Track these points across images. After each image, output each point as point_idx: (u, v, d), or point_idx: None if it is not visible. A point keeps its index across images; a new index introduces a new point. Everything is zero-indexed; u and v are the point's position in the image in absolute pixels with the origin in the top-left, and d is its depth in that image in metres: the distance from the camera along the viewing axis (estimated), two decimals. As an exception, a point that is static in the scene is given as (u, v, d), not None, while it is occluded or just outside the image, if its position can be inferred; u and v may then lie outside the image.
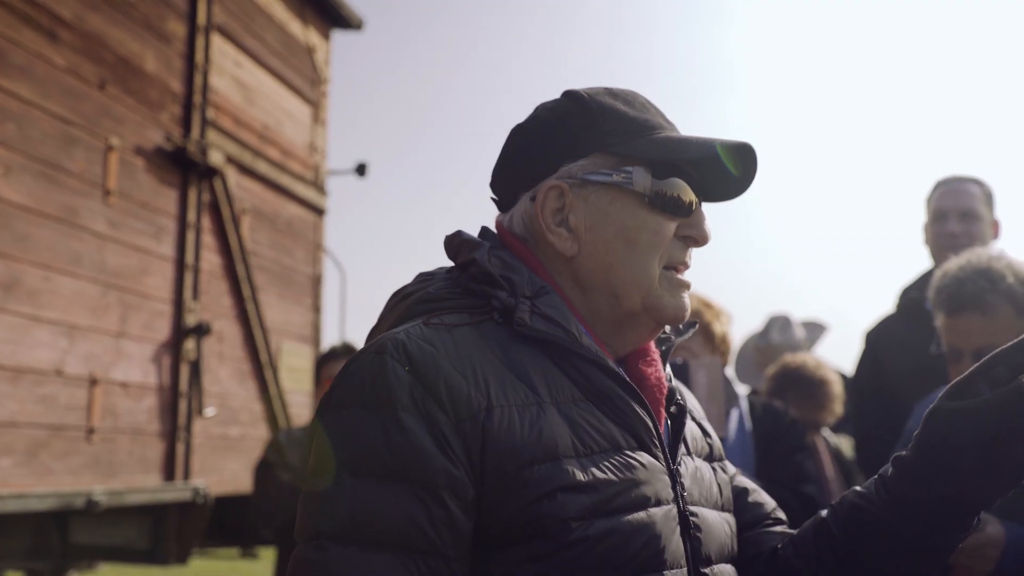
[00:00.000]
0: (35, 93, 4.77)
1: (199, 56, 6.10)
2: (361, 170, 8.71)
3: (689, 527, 1.37)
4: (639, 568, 1.27)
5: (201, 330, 5.80)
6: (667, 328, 1.52)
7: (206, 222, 6.10)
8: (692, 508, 1.39)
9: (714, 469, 1.55)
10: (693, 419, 1.57)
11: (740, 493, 1.62)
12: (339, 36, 8.34)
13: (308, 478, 1.27)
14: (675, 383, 1.52)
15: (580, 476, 1.25)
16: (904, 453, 1.38)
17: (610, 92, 1.45)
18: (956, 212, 3.81)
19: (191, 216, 5.89)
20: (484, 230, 1.49)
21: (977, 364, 1.35)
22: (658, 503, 1.31)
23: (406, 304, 1.41)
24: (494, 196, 1.51)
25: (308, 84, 7.59)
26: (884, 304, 4.29)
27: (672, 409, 1.47)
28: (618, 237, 1.38)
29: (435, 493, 1.20)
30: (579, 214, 1.40)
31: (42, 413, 4.70)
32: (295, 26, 7.44)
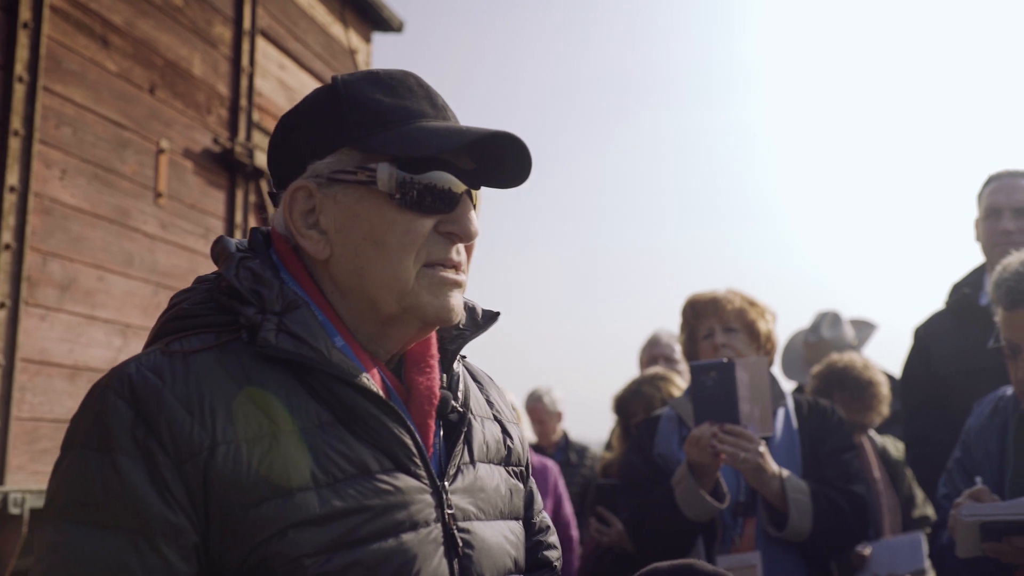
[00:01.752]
0: (89, 98, 4.88)
1: (245, 59, 6.19)
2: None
3: (456, 545, 1.32)
4: None
5: (248, 329, 5.88)
6: (461, 324, 1.45)
7: (253, 223, 6.19)
8: (462, 525, 1.34)
9: (510, 474, 1.51)
10: (496, 420, 1.54)
11: (535, 530, 1.60)
12: (380, 38, 8.42)
13: (37, 521, 1.29)
14: (464, 387, 1.46)
15: (316, 508, 1.20)
16: None
17: (371, 77, 1.38)
18: (1010, 209, 3.78)
19: (238, 217, 5.99)
20: (255, 231, 1.43)
21: None
22: (414, 526, 1.27)
23: (162, 320, 1.37)
24: (271, 191, 1.43)
25: (350, 86, 7.66)
26: (932, 305, 4.28)
27: (450, 417, 1.41)
28: (367, 238, 1.31)
29: (151, 540, 1.17)
30: (329, 215, 1.33)
31: (97, 410, 4.79)
32: (337, 29, 7.52)
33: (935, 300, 4.27)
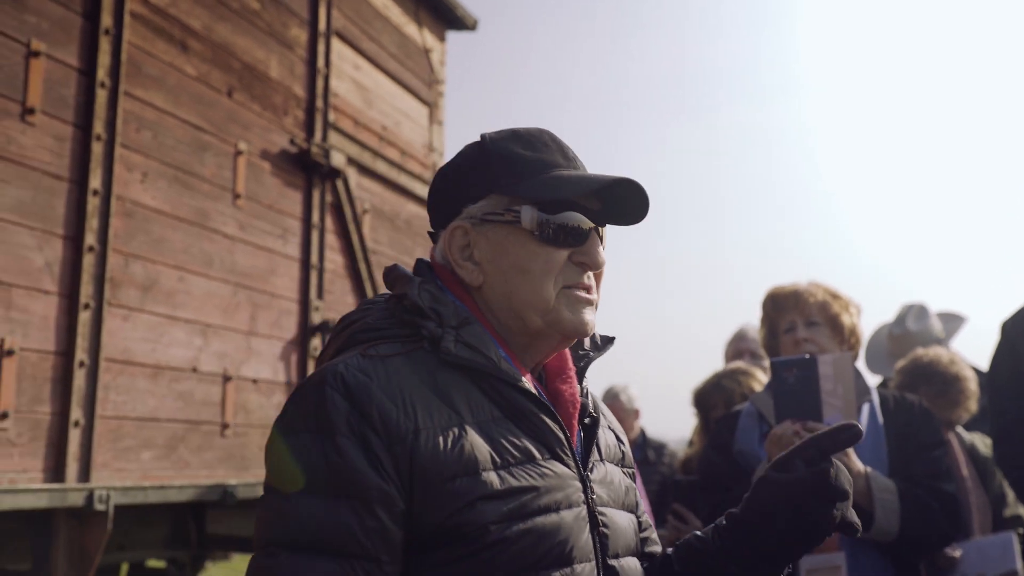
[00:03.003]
0: (168, 102, 4.97)
1: (320, 61, 6.25)
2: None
3: (598, 525, 1.56)
4: (552, 563, 1.46)
5: (326, 328, 5.95)
6: (586, 345, 1.73)
7: (329, 222, 6.25)
8: (601, 509, 1.59)
9: (624, 474, 1.75)
10: (611, 429, 1.79)
11: (642, 527, 1.81)
12: (454, 37, 8.44)
13: (264, 492, 1.46)
14: (591, 398, 1.72)
15: (497, 485, 1.44)
16: (735, 511, 1.72)
17: (514, 135, 1.65)
18: None
19: (315, 217, 6.05)
20: (420, 261, 1.68)
21: (798, 445, 1.68)
22: (569, 506, 1.51)
23: (349, 332, 1.61)
24: (430, 230, 1.70)
25: (424, 85, 7.70)
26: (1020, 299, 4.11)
27: (586, 421, 1.67)
28: (513, 267, 1.57)
29: (369, 506, 1.38)
30: (481, 249, 1.60)
31: (180, 409, 4.89)
32: (411, 28, 7.55)
33: (1026, 293, 4.10)
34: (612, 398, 6.79)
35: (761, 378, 4.39)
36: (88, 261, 4.36)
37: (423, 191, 7.55)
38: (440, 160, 7.93)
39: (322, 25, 6.29)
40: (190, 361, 4.97)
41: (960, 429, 4.68)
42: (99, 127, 4.47)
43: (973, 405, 4.53)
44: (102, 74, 4.52)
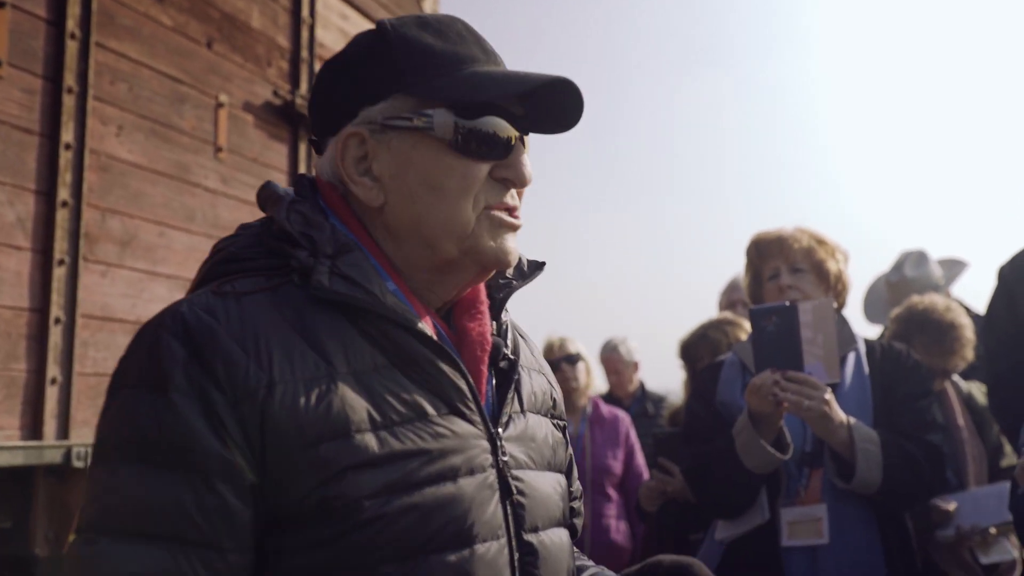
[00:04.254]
0: (144, 53, 4.84)
1: (304, 11, 6.10)
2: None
3: (511, 493, 1.32)
4: (447, 543, 1.22)
5: (314, 283, 5.87)
6: (508, 272, 1.47)
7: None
8: (516, 473, 1.34)
9: (555, 426, 1.51)
10: (540, 372, 1.54)
11: (571, 495, 1.58)
12: (446, -16, 8.25)
13: (91, 462, 1.24)
14: (512, 335, 1.46)
15: (374, 450, 1.19)
16: None
17: (421, 22, 1.38)
18: None
19: (301, 169, 5.93)
20: (301, 178, 1.42)
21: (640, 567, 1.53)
22: (471, 472, 1.27)
23: (210, 263, 1.36)
24: (313, 138, 1.45)
25: (415, 34, 7.54)
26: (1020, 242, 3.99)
27: (502, 364, 1.41)
28: (423, 184, 1.32)
29: (207, 480, 1.15)
30: (382, 162, 1.33)
31: (162, 366, 4.82)
32: (401, -24, 7.38)
33: (1024, 236, 3.98)
34: (610, 350, 6.71)
35: (748, 328, 4.29)
36: (62, 216, 4.27)
37: (415, 143, 7.42)
38: (433, 112, 7.79)
39: (306, -27, 6.13)
40: (172, 317, 4.89)
41: (957, 378, 4.59)
42: (70, 79, 4.36)
43: (969, 353, 4.43)
44: (72, 25, 4.39)
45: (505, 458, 1.33)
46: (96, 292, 4.44)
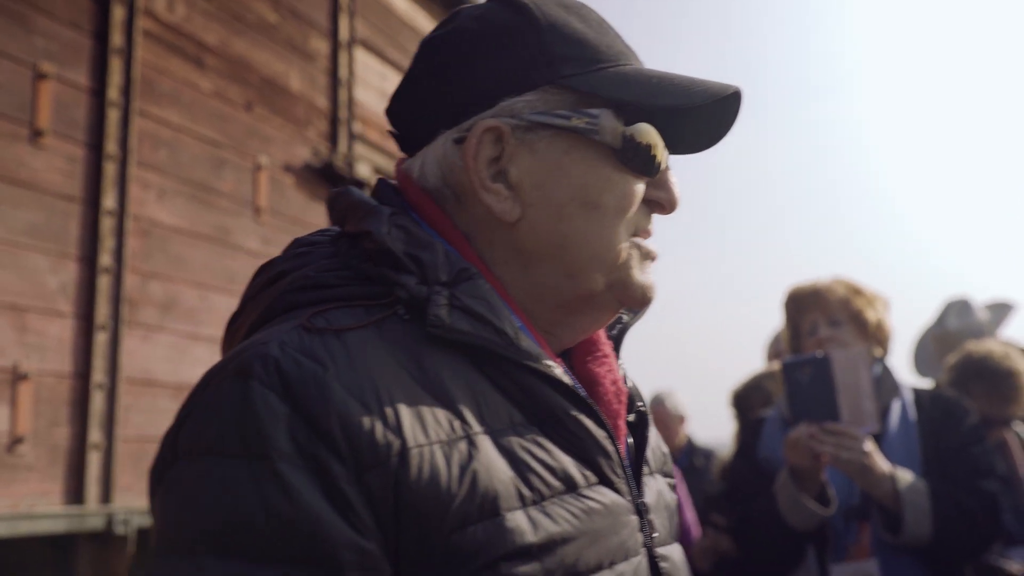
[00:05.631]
0: (184, 118, 4.93)
1: (343, 71, 6.19)
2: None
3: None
4: None
5: (356, 341, 5.87)
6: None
7: (357, 235, 6.17)
8: (659, 551, 1.09)
9: (669, 485, 1.23)
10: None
11: None
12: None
13: (154, 557, 0.92)
14: (630, 380, 1.19)
15: (529, 536, 0.92)
16: None
17: (562, 3, 1.10)
18: None
19: (342, 229, 5.98)
20: (381, 183, 1.12)
21: None
22: (625, 556, 1.02)
23: (277, 290, 1.04)
24: (393, 130, 1.14)
25: (455, 92, 7.61)
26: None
27: (631, 419, 1.15)
28: (576, 199, 1.05)
29: None
30: (523, 167, 1.05)
31: (204, 428, 4.83)
32: (439, 35, 7.47)
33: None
34: (657, 404, 6.61)
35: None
36: (103, 281, 4.32)
37: (457, 199, 7.45)
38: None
39: (344, 35, 6.23)
40: (214, 379, 4.91)
41: (1018, 426, 4.42)
42: (111, 146, 4.44)
43: (1030, 400, 4.27)
44: (114, 93, 4.49)
45: (655, 535, 1.09)
46: (137, 356, 4.48)
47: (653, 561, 1.07)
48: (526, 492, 0.95)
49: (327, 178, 5.91)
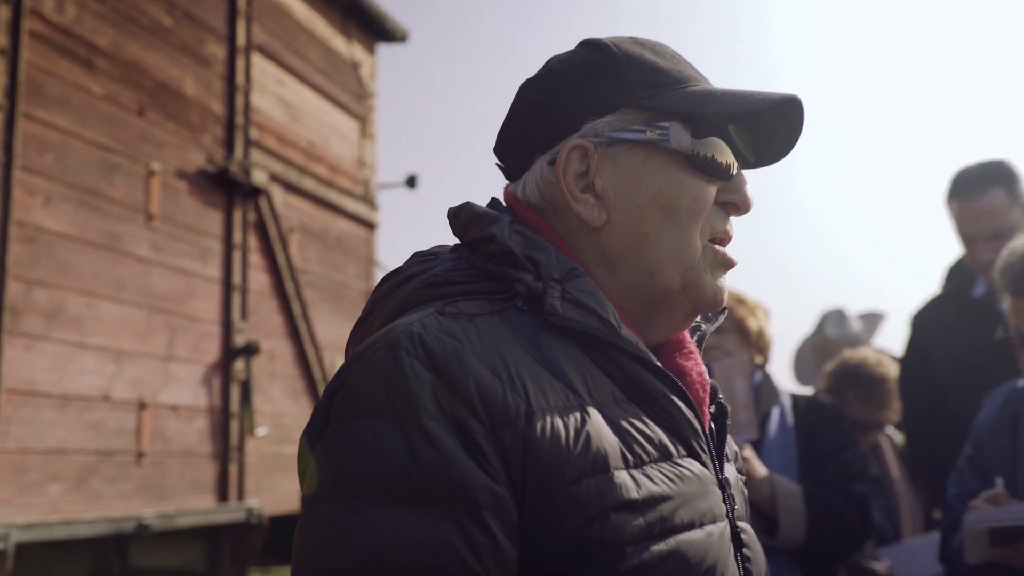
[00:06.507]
0: (73, 122, 4.82)
1: (240, 77, 6.12)
2: (412, 182, 8.63)
3: (741, 545, 1.20)
4: None
5: (251, 350, 5.81)
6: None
7: (253, 242, 6.11)
8: (740, 524, 1.22)
9: (742, 481, 1.37)
10: None
11: None
12: (384, 49, 8.34)
13: (307, 508, 1.05)
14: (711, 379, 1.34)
15: (634, 493, 1.06)
16: None
17: (637, 41, 1.27)
18: (982, 237, 3.45)
19: (237, 236, 5.91)
20: (494, 201, 1.29)
21: None
22: (714, 519, 1.14)
23: (408, 289, 1.19)
24: (500, 163, 1.31)
25: (354, 99, 7.59)
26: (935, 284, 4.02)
27: (711, 409, 1.29)
28: (653, 203, 1.20)
29: (477, 516, 1.00)
30: (607, 177, 1.21)
31: (91, 439, 4.73)
32: (339, 42, 7.44)
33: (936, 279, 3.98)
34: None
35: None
36: (-16, 289, 4.20)
37: (354, 207, 7.42)
38: (373, 175, 7.81)
39: (241, 40, 6.16)
40: (101, 389, 4.81)
41: (891, 430, 4.62)
42: (-6, 150, 4.32)
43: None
44: (-3, 95, 4.37)
45: (736, 507, 1.22)
46: (19, 366, 4.35)
47: (735, 531, 1.20)
48: (629, 456, 1.09)
49: (222, 185, 5.83)
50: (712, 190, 1.22)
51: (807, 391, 5.23)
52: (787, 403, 3.26)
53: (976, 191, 3.35)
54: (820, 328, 5.37)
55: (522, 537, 1.04)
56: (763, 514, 2.96)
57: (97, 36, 5.04)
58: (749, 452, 2.88)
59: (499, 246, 1.17)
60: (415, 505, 1.00)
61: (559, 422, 1.05)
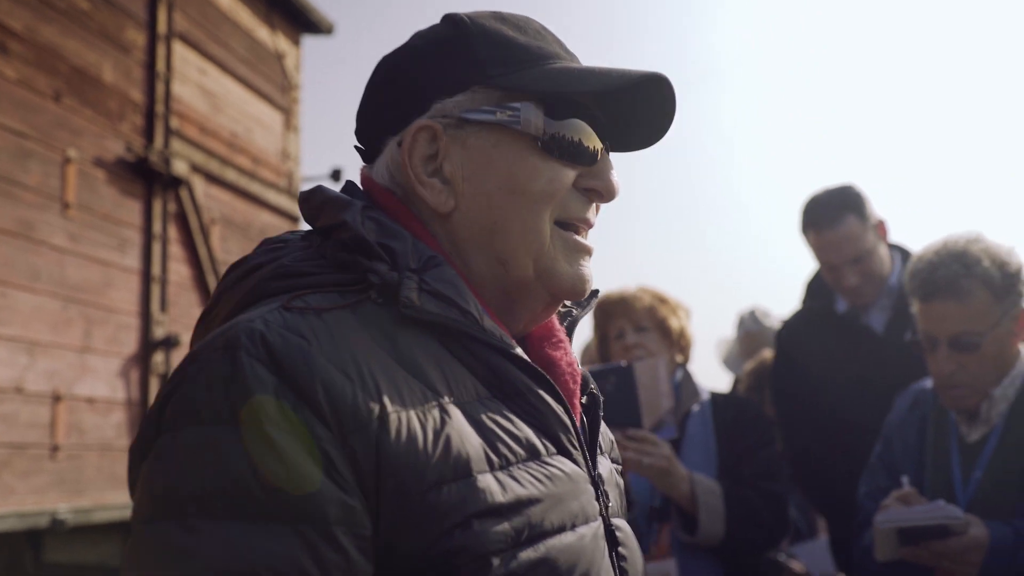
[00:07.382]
0: (-15, 107, 4.68)
1: (160, 65, 6.00)
2: (336, 175, 8.56)
3: (616, 544, 1.16)
4: None
5: (170, 342, 5.71)
6: (567, 302, 1.26)
7: (173, 233, 6.00)
8: (615, 521, 1.18)
9: (615, 470, 1.33)
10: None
11: None
12: (310, 41, 8.25)
13: (137, 526, 0.95)
14: (583, 367, 1.28)
15: (499, 497, 1.00)
16: None
17: (498, 16, 1.20)
18: (845, 263, 3.48)
19: (156, 227, 5.80)
20: (349, 185, 1.21)
21: None
22: (586, 520, 1.09)
23: (254, 281, 1.09)
24: (359, 144, 1.24)
25: (278, 91, 7.50)
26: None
27: (583, 400, 1.23)
28: (503, 187, 1.13)
29: (327, 531, 0.93)
30: (455, 161, 1.14)
31: (2, 432, 4.60)
32: (263, 32, 7.34)
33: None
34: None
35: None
36: None
37: (277, 200, 7.34)
38: (297, 168, 7.73)
39: (162, 28, 6.04)
40: (14, 380, 4.68)
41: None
42: (-98, 134, 4.17)
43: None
44: (-95, 77, 4.22)
45: (609, 504, 1.17)
46: (-72, 357, 4.22)
47: (608, 529, 1.15)
48: (494, 458, 1.03)
49: (142, 174, 5.72)
50: (570, 175, 1.15)
51: (726, 390, 5.34)
52: (707, 401, 3.33)
53: (831, 221, 3.44)
54: (741, 324, 5.50)
55: (379, 551, 0.97)
56: (684, 511, 3.02)
57: (10, 19, 4.90)
58: (670, 451, 2.94)
59: (351, 233, 1.09)
60: (257, 521, 0.91)
61: (416, 424, 0.99)
